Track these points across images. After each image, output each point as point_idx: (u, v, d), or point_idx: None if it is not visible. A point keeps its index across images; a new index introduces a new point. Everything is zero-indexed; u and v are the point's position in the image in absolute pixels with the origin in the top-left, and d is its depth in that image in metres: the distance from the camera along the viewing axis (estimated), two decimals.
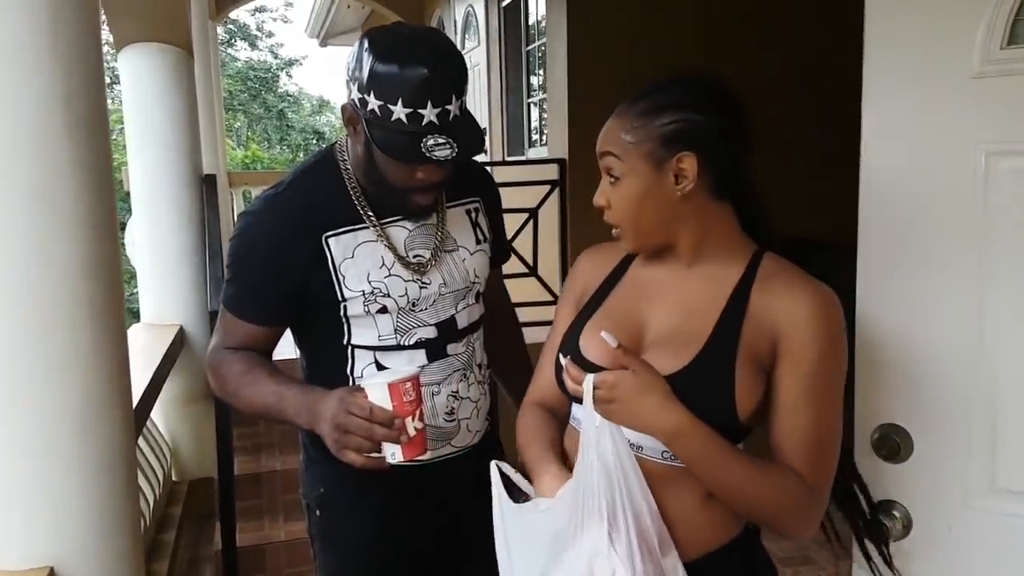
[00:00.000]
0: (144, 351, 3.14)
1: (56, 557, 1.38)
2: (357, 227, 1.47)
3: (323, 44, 13.58)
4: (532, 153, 5.93)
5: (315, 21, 12.27)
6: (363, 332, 1.49)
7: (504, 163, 6.04)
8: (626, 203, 1.20)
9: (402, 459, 1.28)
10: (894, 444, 1.36)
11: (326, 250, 1.45)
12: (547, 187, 4.31)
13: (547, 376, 1.33)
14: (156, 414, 3.65)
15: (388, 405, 1.26)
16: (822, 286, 1.17)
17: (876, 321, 1.38)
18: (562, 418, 1.31)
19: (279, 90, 23.64)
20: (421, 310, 1.50)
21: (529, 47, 6.07)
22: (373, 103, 1.31)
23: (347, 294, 1.45)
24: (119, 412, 1.47)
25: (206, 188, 3.87)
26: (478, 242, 1.59)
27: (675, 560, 1.11)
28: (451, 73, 1.33)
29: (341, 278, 1.45)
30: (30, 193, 1.31)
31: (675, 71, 1.22)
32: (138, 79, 3.67)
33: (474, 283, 1.57)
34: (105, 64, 1.57)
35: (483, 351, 1.62)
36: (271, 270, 1.45)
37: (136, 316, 3.98)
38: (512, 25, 6.23)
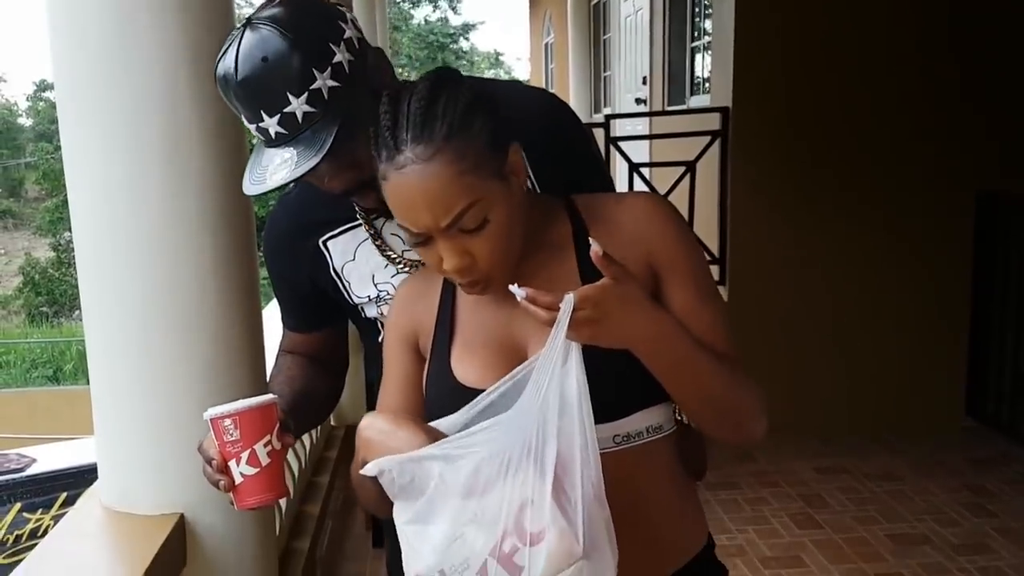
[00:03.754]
0: None
1: (187, 504, 1.41)
2: (355, 224, 1.31)
3: None
4: (694, 102, 5.67)
5: None
6: None
7: (664, 113, 5.82)
8: (498, 242, 0.99)
9: (235, 506, 1.12)
10: None
11: (326, 254, 1.32)
12: (707, 138, 4.09)
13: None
14: None
15: (215, 441, 1.11)
16: (636, 193, 1.11)
17: None
18: None
19: (454, 47, 24.10)
20: None
21: None
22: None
23: (356, 300, 1.32)
24: (249, 360, 1.48)
25: None
26: None
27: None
28: (272, 64, 1.06)
29: (347, 284, 1.32)
30: (157, 151, 1.32)
31: (395, 87, 1.03)
32: None
33: None
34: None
35: None
36: (282, 277, 1.38)
37: None
38: None
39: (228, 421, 1.09)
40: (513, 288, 0.92)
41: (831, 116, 3.94)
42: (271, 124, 1.08)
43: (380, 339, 1.32)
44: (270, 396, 1.15)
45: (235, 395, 1.42)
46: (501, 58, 26.30)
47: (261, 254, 1.47)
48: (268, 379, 1.40)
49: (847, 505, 3.40)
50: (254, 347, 1.51)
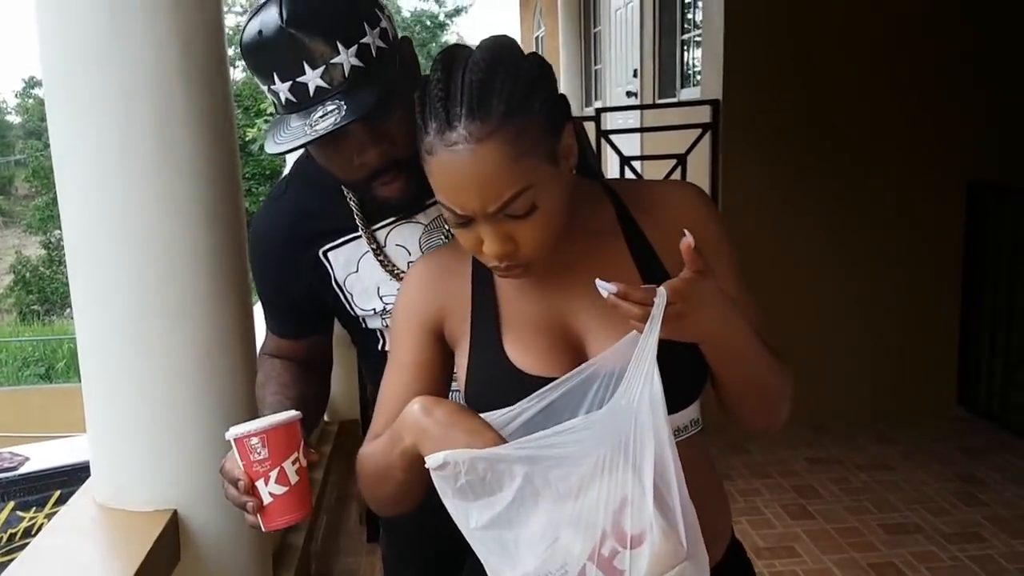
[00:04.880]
0: None
1: (180, 500, 1.42)
2: (356, 235, 1.24)
3: None
4: (685, 94, 5.67)
5: None
6: None
7: (654, 106, 5.81)
8: (544, 229, 0.94)
9: (262, 528, 1.08)
10: None
11: (327, 266, 1.25)
12: (698, 131, 4.09)
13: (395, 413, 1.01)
14: None
15: (240, 462, 1.06)
16: (677, 181, 1.11)
17: None
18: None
19: (442, 39, 24.12)
20: None
21: None
22: (266, 92, 1.06)
23: (358, 312, 1.27)
24: (241, 356, 1.48)
25: None
26: None
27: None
28: (324, 9, 1.03)
29: (349, 296, 1.26)
30: (147, 140, 1.32)
31: (450, 49, 0.95)
32: None
33: None
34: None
35: None
36: (275, 285, 1.31)
37: None
38: None
39: (255, 439, 1.05)
40: (600, 283, 0.87)
41: (821, 107, 3.95)
42: (312, 78, 1.02)
43: (381, 347, 1.29)
44: (294, 412, 1.11)
45: (228, 390, 1.43)
46: None
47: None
48: (257, 386, 1.35)
49: (839, 495, 3.42)
50: (246, 341, 1.51)
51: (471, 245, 0.97)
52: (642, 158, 4.90)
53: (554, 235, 0.96)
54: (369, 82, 1.04)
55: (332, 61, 1.02)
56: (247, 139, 18.67)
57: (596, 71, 9.27)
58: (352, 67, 1.03)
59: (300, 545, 2.55)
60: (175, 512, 1.41)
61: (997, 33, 3.92)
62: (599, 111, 4.48)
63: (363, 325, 1.29)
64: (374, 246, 1.22)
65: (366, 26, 1.03)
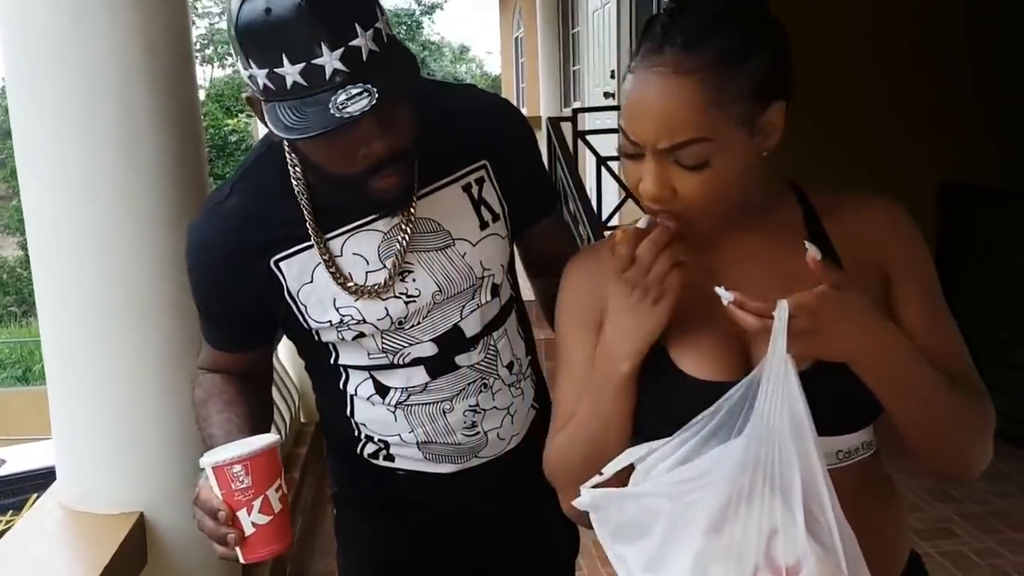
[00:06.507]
0: None
1: (146, 503, 1.41)
2: (308, 245, 1.17)
3: None
4: None
5: None
6: (349, 354, 1.23)
7: None
8: (709, 190, 0.89)
9: (242, 560, 1.02)
10: None
11: (278, 275, 1.17)
12: None
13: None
14: (284, 357, 3.77)
15: (218, 491, 1.00)
16: (881, 196, 1.02)
17: None
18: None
19: (421, 38, 24.08)
20: (412, 326, 1.20)
21: None
22: (259, 75, 0.98)
23: (312, 324, 1.20)
24: None
25: None
26: (484, 225, 1.22)
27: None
28: None
29: (302, 307, 1.19)
30: (110, 142, 1.32)
31: None
32: None
33: (484, 277, 1.22)
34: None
35: (517, 341, 1.30)
36: (218, 296, 1.21)
37: None
38: None
39: (238, 467, 0.99)
40: (719, 290, 0.84)
41: (795, 108, 3.97)
42: (329, 60, 0.96)
43: (334, 361, 1.25)
44: (273, 436, 1.06)
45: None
46: (468, 52, 26.14)
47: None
48: (195, 403, 1.24)
49: None
50: None
51: (631, 180, 0.94)
52: (619, 158, 4.92)
53: (718, 201, 0.91)
54: (383, 69, 0.99)
55: (352, 43, 0.97)
56: (226, 132, 18.33)
57: (574, 72, 9.28)
58: (370, 51, 0.98)
59: None
60: (142, 514, 1.40)
61: (981, 32, 3.96)
62: (576, 111, 4.50)
63: (316, 338, 1.23)
64: (326, 257, 1.16)
65: (378, 11, 1.00)
